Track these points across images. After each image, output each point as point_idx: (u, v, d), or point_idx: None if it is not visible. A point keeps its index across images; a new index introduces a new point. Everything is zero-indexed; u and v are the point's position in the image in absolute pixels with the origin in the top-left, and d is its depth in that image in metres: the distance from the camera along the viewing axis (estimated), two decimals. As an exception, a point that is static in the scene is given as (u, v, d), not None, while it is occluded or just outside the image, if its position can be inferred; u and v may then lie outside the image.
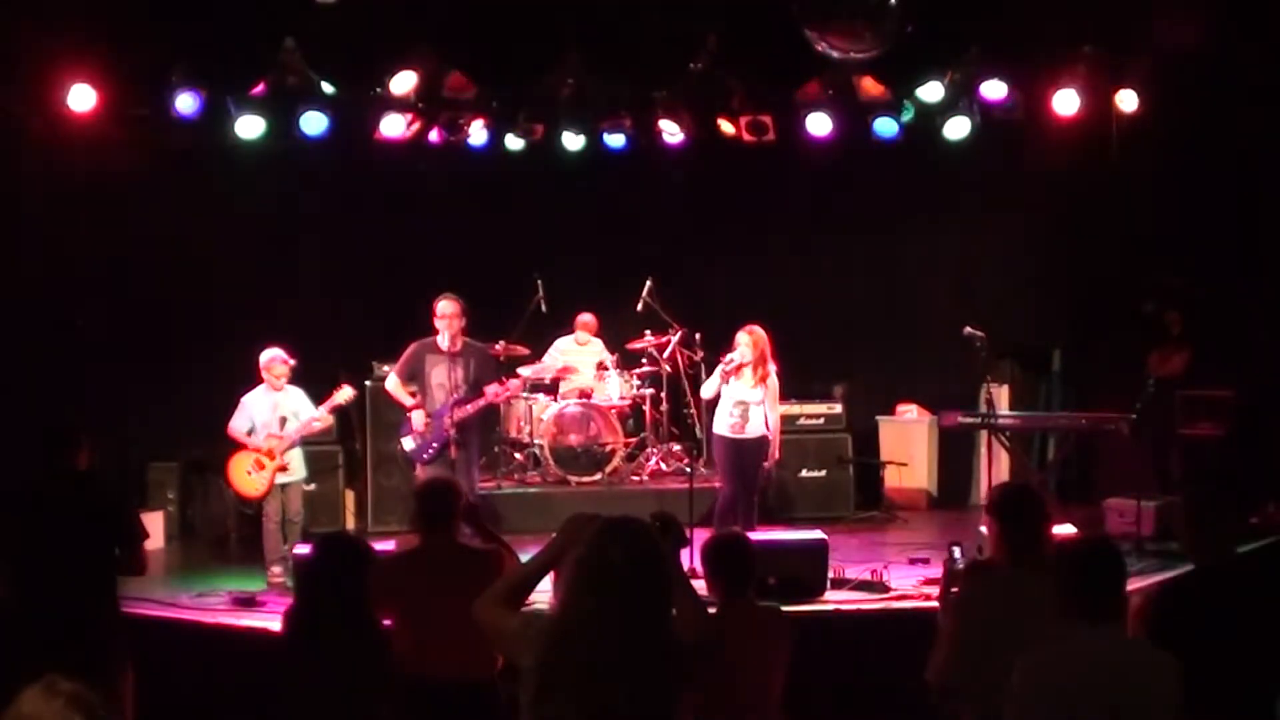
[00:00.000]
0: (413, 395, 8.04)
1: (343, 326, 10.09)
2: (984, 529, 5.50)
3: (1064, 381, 11.15)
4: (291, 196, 10.47)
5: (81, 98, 8.49)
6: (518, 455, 10.56)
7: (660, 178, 10.87)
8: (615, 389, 10.43)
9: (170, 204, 9.89)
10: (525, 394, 10.30)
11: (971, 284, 10.80)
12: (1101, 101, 9.12)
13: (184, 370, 9.95)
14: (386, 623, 4.73)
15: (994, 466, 9.20)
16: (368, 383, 9.59)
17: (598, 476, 10.16)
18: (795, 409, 10.59)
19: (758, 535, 6.97)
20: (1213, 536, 4.01)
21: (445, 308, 7.86)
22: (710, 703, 3.68)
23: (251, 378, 8.50)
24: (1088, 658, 3.40)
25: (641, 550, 3.08)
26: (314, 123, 9.03)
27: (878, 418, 11.24)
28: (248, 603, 7.34)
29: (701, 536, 5.42)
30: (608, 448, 10.19)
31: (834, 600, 7.16)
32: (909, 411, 11.28)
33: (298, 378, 8.44)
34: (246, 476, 8.16)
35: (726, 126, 9.79)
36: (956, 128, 9.53)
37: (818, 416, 10.60)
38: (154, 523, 9.37)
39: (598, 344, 10.70)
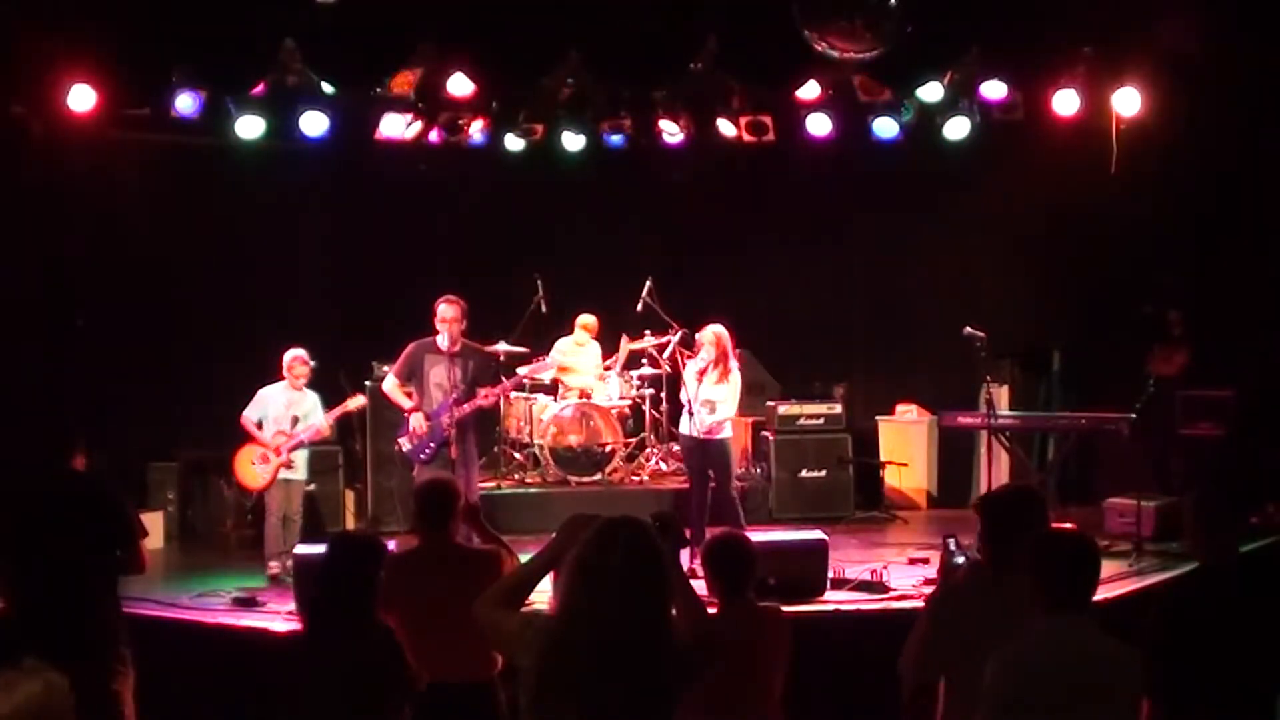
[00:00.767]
0: (410, 396, 8.05)
1: (343, 326, 10.09)
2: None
3: (1064, 381, 11.15)
4: (291, 197, 10.47)
5: (81, 98, 8.49)
6: (518, 455, 10.57)
7: (660, 178, 10.87)
8: (615, 389, 10.43)
9: (170, 204, 9.89)
10: (525, 394, 10.31)
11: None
12: (1101, 101, 9.12)
13: (184, 370, 9.96)
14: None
15: (994, 466, 9.20)
16: (367, 383, 9.59)
17: (598, 476, 10.17)
18: (795, 409, 10.61)
19: (758, 535, 6.96)
20: (1219, 536, 4.00)
21: (446, 309, 7.86)
22: (710, 703, 3.68)
23: (251, 377, 8.53)
24: (1057, 649, 3.39)
25: (641, 550, 3.08)
26: (314, 123, 9.03)
27: (878, 418, 11.24)
28: (248, 603, 7.35)
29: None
30: (608, 448, 10.19)
31: (834, 600, 7.15)
32: (909, 411, 11.28)
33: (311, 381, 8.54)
34: (250, 467, 8.33)
35: (726, 126, 9.79)
36: (956, 128, 9.53)
37: (818, 416, 10.61)
38: (154, 523, 9.38)
39: (596, 347, 10.70)
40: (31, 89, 8.52)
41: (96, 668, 4.83)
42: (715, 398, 8.18)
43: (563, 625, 3.08)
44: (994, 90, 9.24)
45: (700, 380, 8.20)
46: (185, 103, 8.71)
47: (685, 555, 6.04)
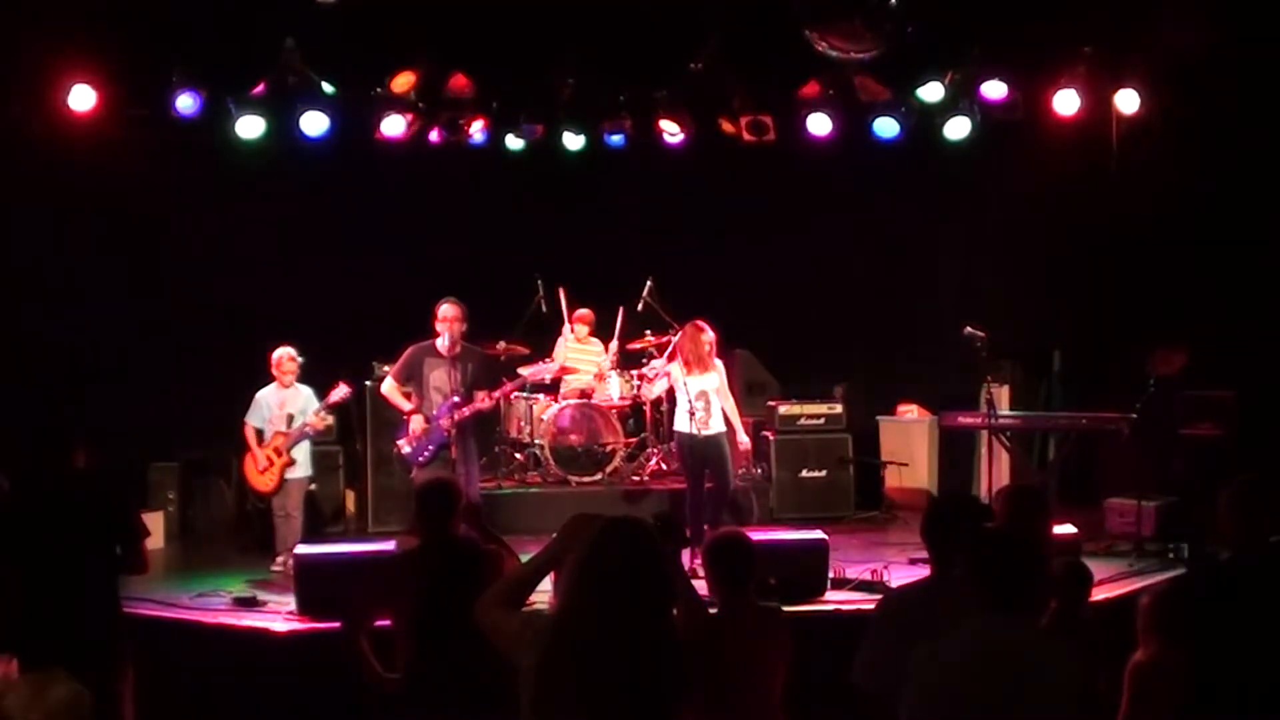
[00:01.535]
0: (409, 398, 8.05)
1: (343, 326, 10.08)
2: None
3: (1064, 381, 11.15)
4: (291, 196, 10.47)
5: (81, 98, 8.50)
6: (518, 455, 10.56)
7: (660, 178, 10.88)
8: (615, 389, 10.43)
9: (170, 204, 9.89)
10: (526, 394, 10.30)
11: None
12: (1101, 101, 9.12)
13: (184, 370, 9.96)
14: (386, 623, 4.74)
15: (994, 466, 9.20)
16: (368, 382, 9.60)
17: (598, 476, 10.16)
18: (795, 409, 10.60)
19: (757, 535, 6.97)
20: (1257, 526, 3.97)
21: (447, 311, 7.86)
22: (711, 703, 3.68)
23: (251, 377, 8.53)
24: (984, 647, 3.37)
25: (641, 550, 3.09)
26: (314, 123, 9.03)
27: (878, 418, 11.24)
28: (248, 603, 7.34)
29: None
30: (608, 448, 10.19)
31: (834, 600, 7.15)
32: (909, 411, 11.28)
33: (301, 376, 8.55)
34: (259, 474, 8.41)
35: (726, 126, 9.79)
36: (956, 128, 9.52)
37: (818, 416, 10.60)
38: (154, 523, 9.37)
39: (597, 344, 10.70)
40: (31, 89, 8.52)
41: (97, 667, 4.81)
42: (709, 386, 8.25)
43: (564, 625, 3.08)
44: (994, 90, 9.24)
45: (689, 374, 8.28)
46: (185, 103, 8.72)
47: (685, 555, 6.06)
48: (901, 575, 7.68)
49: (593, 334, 10.66)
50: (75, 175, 9.30)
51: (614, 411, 10.30)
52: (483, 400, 7.95)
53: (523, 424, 10.48)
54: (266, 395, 8.46)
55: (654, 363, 8.36)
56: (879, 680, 3.91)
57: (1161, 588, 4.55)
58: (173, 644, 6.73)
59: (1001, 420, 9.38)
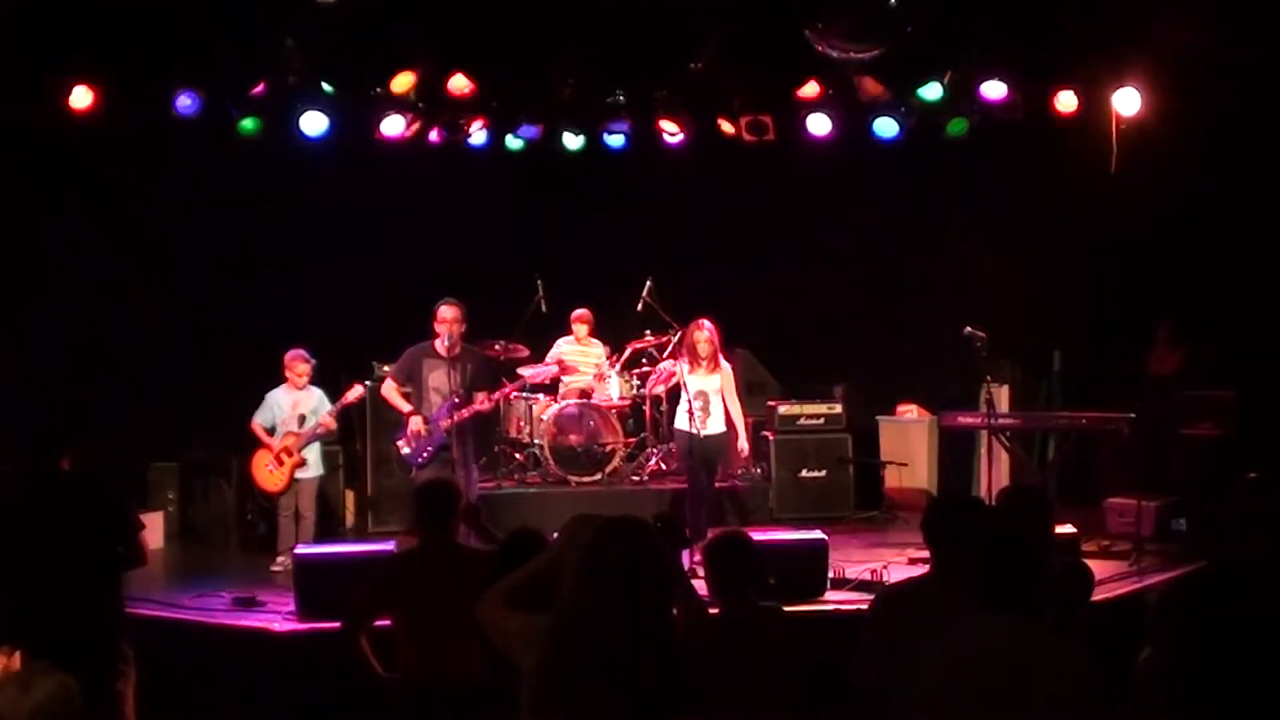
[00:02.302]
0: (408, 399, 8.05)
1: (343, 326, 10.08)
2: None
3: (1064, 381, 11.15)
4: (291, 197, 10.47)
5: (81, 98, 8.49)
6: (518, 455, 10.56)
7: (660, 178, 10.88)
8: (615, 389, 10.43)
9: (170, 204, 9.89)
10: (526, 394, 10.31)
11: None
12: (1101, 101, 9.12)
13: (184, 370, 9.96)
14: (386, 623, 4.74)
15: (994, 466, 9.20)
16: (368, 382, 9.58)
17: (598, 476, 10.16)
18: (795, 409, 10.60)
19: (757, 535, 6.97)
20: (1263, 526, 3.95)
21: (447, 312, 7.86)
22: (713, 703, 3.68)
23: (251, 378, 8.54)
24: (986, 647, 3.36)
25: (642, 551, 3.09)
26: (314, 123, 9.03)
27: (878, 418, 11.23)
28: (248, 603, 7.34)
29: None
30: (608, 448, 10.19)
31: (834, 600, 7.15)
32: (909, 411, 11.27)
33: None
34: (268, 473, 8.42)
35: (726, 126, 9.79)
36: (956, 128, 9.52)
37: (818, 416, 10.60)
38: (154, 523, 9.38)
39: (598, 345, 10.70)
40: (31, 89, 8.52)
41: (98, 667, 4.83)
42: (709, 388, 8.29)
43: (564, 625, 3.08)
44: (994, 90, 9.23)
45: (691, 371, 8.34)
46: (185, 103, 8.71)
47: (684, 555, 6.06)
48: (901, 575, 7.67)
49: (592, 334, 10.66)
50: (75, 175, 9.29)
51: (614, 411, 10.30)
52: (482, 402, 7.95)
53: (522, 424, 10.48)
54: (278, 396, 8.47)
55: (664, 362, 8.41)
56: (873, 676, 3.92)
57: (1170, 586, 4.54)
58: (173, 644, 6.73)
59: (1001, 420, 9.37)
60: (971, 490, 10.82)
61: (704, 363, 8.31)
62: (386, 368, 8.51)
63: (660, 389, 9.22)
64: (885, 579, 7.39)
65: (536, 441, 10.26)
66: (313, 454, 8.49)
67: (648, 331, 10.49)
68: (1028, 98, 9.33)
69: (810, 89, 9.45)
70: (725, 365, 8.47)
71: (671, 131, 9.93)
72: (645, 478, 10.40)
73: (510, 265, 10.77)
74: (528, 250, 10.94)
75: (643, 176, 10.87)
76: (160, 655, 6.05)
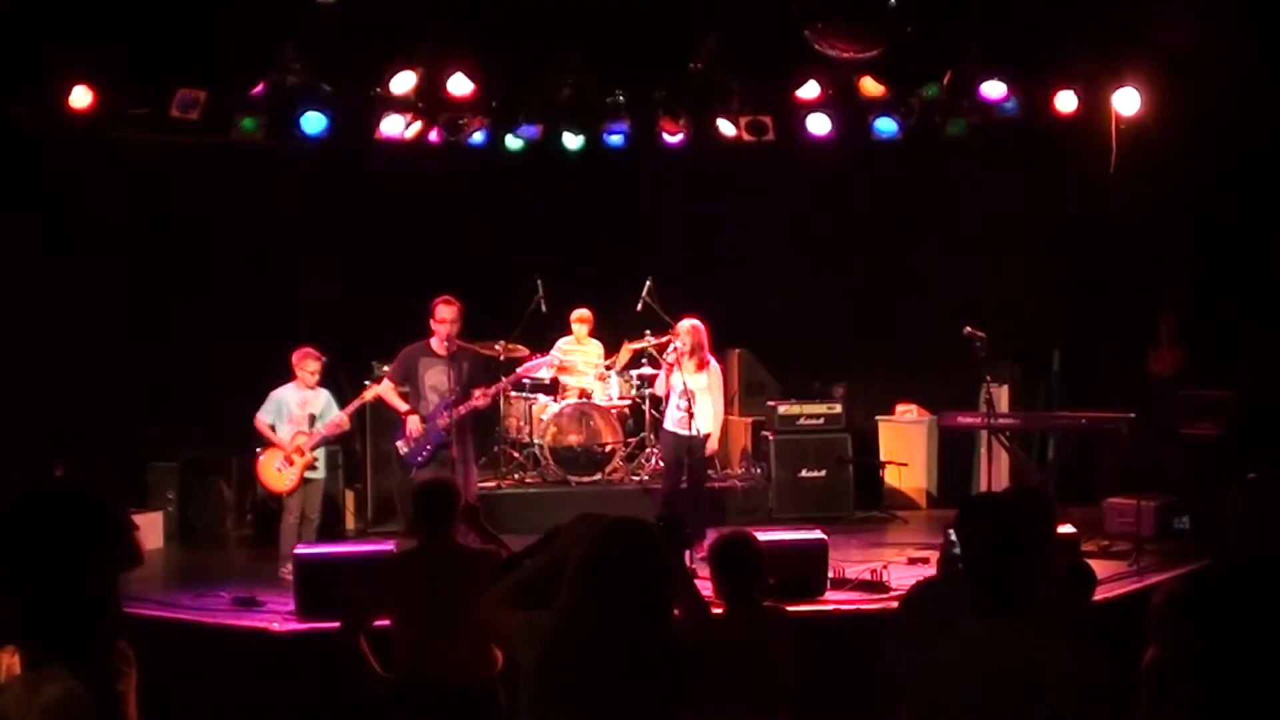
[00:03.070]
0: (405, 399, 8.05)
1: (343, 326, 10.08)
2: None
3: (1064, 381, 11.14)
4: (291, 197, 10.46)
5: (81, 98, 8.49)
6: (517, 455, 10.57)
7: (660, 178, 10.87)
8: (615, 389, 10.43)
9: (169, 204, 9.89)
10: (525, 394, 10.31)
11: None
12: (1101, 101, 9.12)
13: (184, 370, 9.95)
14: (385, 623, 4.74)
15: (994, 466, 9.20)
16: (367, 382, 9.59)
17: (597, 476, 10.17)
18: (795, 409, 10.60)
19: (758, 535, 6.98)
20: (1266, 526, 3.94)
21: (444, 311, 7.86)
22: (716, 703, 3.68)
23: (251, 377, 8.51)
24: (982, 650, 3.35)
25: (643, 551, 3.08)
26: (314, 123, 9.03)
27: (878, 418, 11.23)
28: (248, 603, 7.33)
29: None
30: (607, 448, 10.19)
31: (834, 600, 7.15)
32: (909, 411, 11.27)
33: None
34: (276, 473, 8.21)
35: (726, 126, 9.78)
36: (956, 128, 9.52)
37: (818, 416, 10.60)
38: (154, 523, 9.38)
39: (597, 345, 10.70)
40: (31, 89, 8.51)
41: (99, 668, 4.82)
42: (696, 386, 8.32)
43: (565, 624, 3.08)
44: (994, 90, 9.23)
45: (670, 373, 8.40)
46: (185, 103, 8.71)
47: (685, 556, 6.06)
48: (901, 575, 7.69)
49: (592, 334, 10.66)
50: (75, 175, 9.29)
51: (613, 411, 10.30)
52: (479, 398, 7.94)
53: (522, 424, 10.49)
54: (286, 394, 8.27)
55: (675, 343, 8.47)
56: (902, 669, 3.91)
57: (1174, 586, 4.54)
58: (173, 644, 6.73)
59: (1001, 420, 9.38)
60: (971, 490, 10.85)
61: (693, 360, 8.34)
62: (386, 368, 8.51)
63: (658, 387, 9.20)
64: (885, 579, 7.40)
65: (536, 441, 10.26)
66: (320, 454, 8.37)
67: (647, 331, 10.50)
68: (1028, 98, 9.33)
69: (810, 89, 9.44)
70: (714, 365, 8.49)
71: (671, 131, 9.93)
72: (645, 477, 10.40)
73: (510, 265, 10.76)
74: (528, 250, 10.93)
75: (643, 176, 10.87)
76: (160, 655, 6.05)
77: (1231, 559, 3.99)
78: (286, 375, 8.34)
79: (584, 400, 10.25)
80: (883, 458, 10.94)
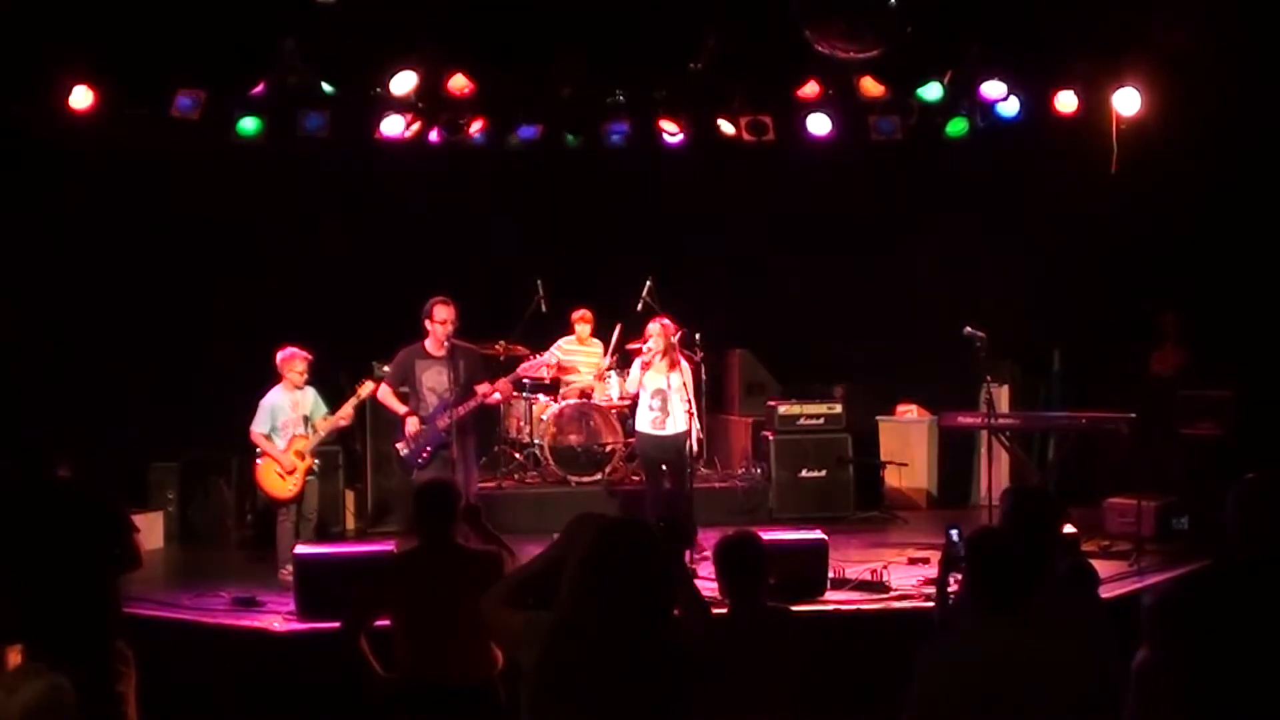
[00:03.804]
0: (404, 401, 8.04)
1: (343, 326, 10.09)
2: None
3: (1064, 381, 11.14)
4: (291, 197, 10.47)
5: (81, 98, 8.49)
6: (518, 455, 10.57)
7: (660, 178, 10.86)
8: (615, 389, 10.43)
9: (169, 204, 9.89)
10: (525, 394, 10.31)
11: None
12: (1101, 101, 9.12)
13: (184, 370, 9.95)
14: (386, 623, 4.74)
15: (994, 466, 9.20)
16: (379, 374, 9.58)
17: (597, 476, 10.16)
18: (795, 409, 10.59)
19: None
20: (1265, 526, 3.93)
21: (441, 311, 7.85)
22: (720, 703, 3.68)
23: (251, 378, 8.50)
24: (985, 651, 3.35)
25: (642, 551, 3.08)
26: (314, 123, 9.02)
27: (878, 418, 11.23)
28: (248, 603, 7.33)
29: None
30: (607, 448, 10.19)
31: (834, 600, 7.15)
32: (909, 411, 11.28)
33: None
34: (279, 480, 8.12)
35: (726, 126, 9.78)
36: (956, 128, 9.52)
37: (818, 416, 10.59)
38: (154, 523, 9.38)
39: (598, 345, 10.70)
40: (31, 89, 8.51)
41: (98, 669, 4.82)
42: (667, 387, 8.36)
43: (565, 625, 3.08)
44: (994, 90, 9.23)
45: (644, 372, 8.44)
46: (185, 103, 8.71)
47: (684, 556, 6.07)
48: (901, 575, 7.69)
49: (594, 334, 10.66)
50: (75, 175, 9.29)
51: (613, 411, 10.29)
52: (484, 393, 7.88)
53: (522, 424, 10.49)
54: (277, 399, 8.15)
55: (649, 344, 8.49)
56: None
57: (1166, 587, 4.54)
58: (173, 644, 6.73)
59: (1001, 420, 9.38)
60: (971, 490, 10.88)
61: (664, 360, 8.36)
62: (386, 368, 8.50)
63: (630, 387, 9.09)
64: (885, 579, 7.40)
65: (536, 441, 10.26)
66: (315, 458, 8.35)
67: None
68: (1028, 98, 9.33)
69: (810, 89, 9.44)
70: (684, 364, 8.49)
71: (671, 131, 9.93)
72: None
73: (510, 265, 10.76)
74: (528, 250, 10.93)
75: (643, 176, 10.87)
76: (160, 655, 6.05)
77: (1230, 559, 3.98)
78: (276, 379, 8.26)
79: (584, 400, 10.25)
80: (883, 458, 10.94)
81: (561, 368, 10.48)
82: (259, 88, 8.95)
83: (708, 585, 5.14)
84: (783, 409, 10.60)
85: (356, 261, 10.73)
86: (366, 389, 8.31)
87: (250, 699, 6.48)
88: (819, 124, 9.61)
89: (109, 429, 9.21)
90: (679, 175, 10.85)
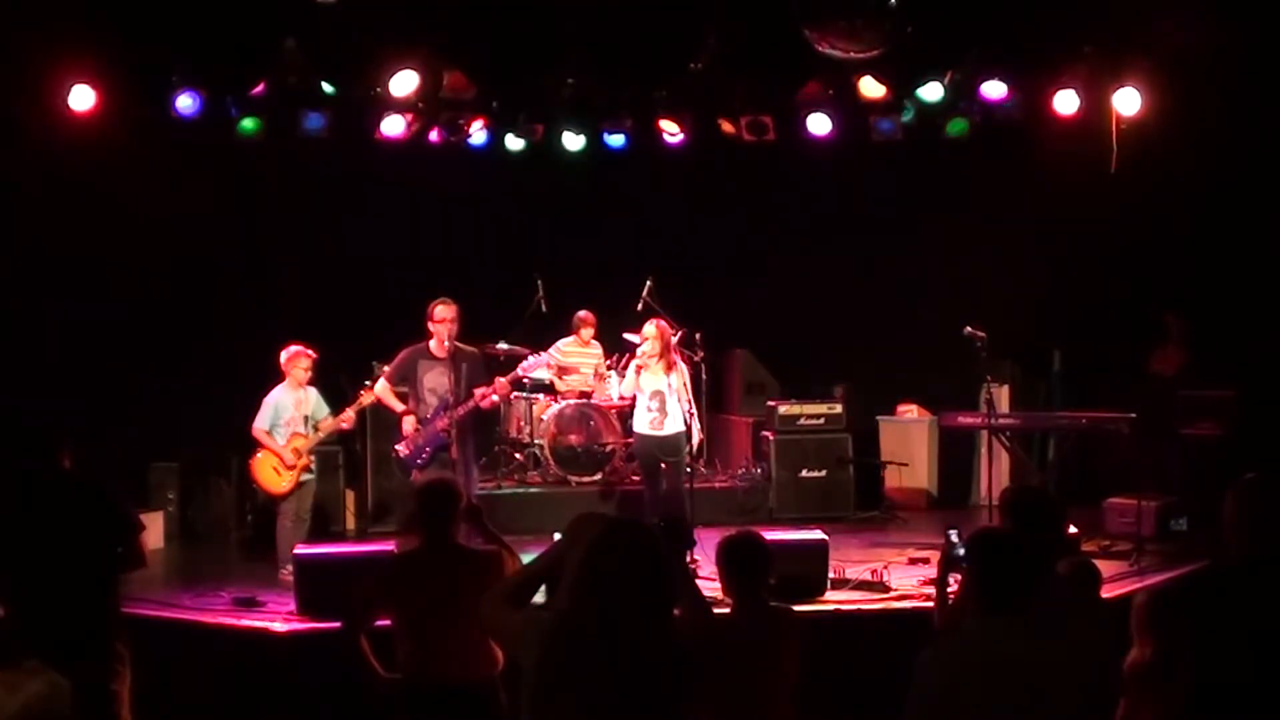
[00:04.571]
0: (403, 400, 8.04)
1: (343, 326, 10.09)
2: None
3: (1064, 381, 11.15)
4: (291, 197, 10.47)
5: (81, 98, 8.49)
6: (518, 455, 10.57)
7: (660, 178, 10.86)
8: (615, 389, 10.43)
9: (170, 204, 9.88)
10: (525, 394, 10.31)
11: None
12: (1101, 101, 9.12)
13: (184, 370, 9.95)
14: (386, 623, 4.74)
15: (994, 466, 9.20)
16: (367, 382, 9.58)
17: (598, 476, 10.17)
18: (795, 409, 10.60)
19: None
20: (1263, 526, 3.93)
21: (442, 311, 7.85)
22: (722, 702, 3.68)
23: (252, 377, 8.50)
24: (985, 650, 3.35)
25: (641, 552, 3.09)
26: (314, 123, 9.02)
27: (878, 418, 11.24)
28: (248, 603, 7.33)
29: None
30: (607, 448, 10.19)
31: (834, 600, 7.15)
32: (909, 411, 11.28)
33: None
34: (274, 474, 8.16)
35: (726, 126, 9.78)
36: (956, 128, 9.52)
37: (818, 416, 10.60)
38: (154, 523, 9.38)
39: (598, 346, 10.70)
40: (31, 89, 8.51)
41: (94, 667, 4.82)
42: (664, 387, 8.34)
43: (565, 624, 3.08)
44: (994, 90, 9.23)
45: (639, 374, 8.44)
46: (185, 103, 8.71)
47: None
48: (901, 575, 7.70)
49: (596, 336, 10.68)
50: (75, 175, 9.29)
51: (613, 411, 10.30)
52: (480, 396, 7.88)
53: (522, 424, 10.49)
54: (280, 397, 8.21)
55: (644, 347, 8.48)
56: None
57: (1158, 587, 4.54)
58: (173, 644, 6.73)
59: (1001, 420, 9.38)
60: (971, 490, 10.88)
61: (661, 362, 8.35)
62: (386, 368, 8.50)
63: (626, 389, 9.07)
64: (885, 579, 7.40)
65: (536, 441, 10.27)
66: (313, 457, 8.36)
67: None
68: (1028, 98, 9.33)
69: (810, 89, 9.44)
70: (680, 364, 8.48)
71: (671, 131, 9.93)
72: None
73: (510, 265, 10.76)
74: (528, 250, 10.93)
75: (643, 176, 10.87)
76: (160, 655, 6.05)
77: (1227, 559, 3.99)
78: (279, 377, 8.31)
79: (584, 400, 10.25)
80: (883, 458, 10.94)
81: (562, 368, 10.48)
82: (259, 88, 8.95)
83: (708, 585, 5.15)
84: (783, 409, 10.60)
85: (356, 262, 10.73)
86: (369, 398, 8.32)
87: (250, 699, 6.47)
88: (819, 124, 9.61)
89: (109, 429, 9.20)
90: (679, 175, 10.85)
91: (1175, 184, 9.73)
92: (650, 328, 8.48)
